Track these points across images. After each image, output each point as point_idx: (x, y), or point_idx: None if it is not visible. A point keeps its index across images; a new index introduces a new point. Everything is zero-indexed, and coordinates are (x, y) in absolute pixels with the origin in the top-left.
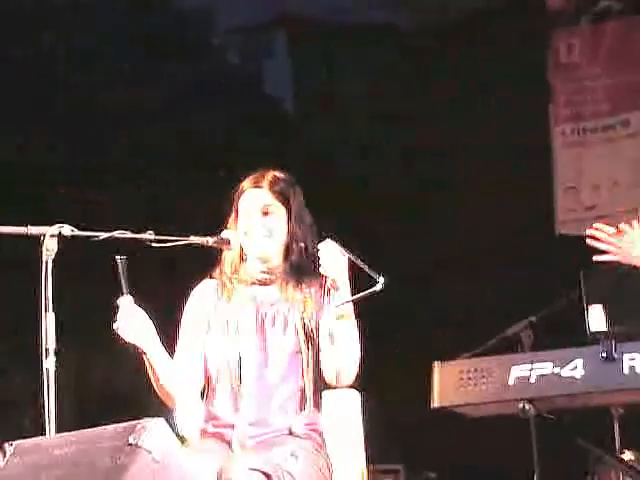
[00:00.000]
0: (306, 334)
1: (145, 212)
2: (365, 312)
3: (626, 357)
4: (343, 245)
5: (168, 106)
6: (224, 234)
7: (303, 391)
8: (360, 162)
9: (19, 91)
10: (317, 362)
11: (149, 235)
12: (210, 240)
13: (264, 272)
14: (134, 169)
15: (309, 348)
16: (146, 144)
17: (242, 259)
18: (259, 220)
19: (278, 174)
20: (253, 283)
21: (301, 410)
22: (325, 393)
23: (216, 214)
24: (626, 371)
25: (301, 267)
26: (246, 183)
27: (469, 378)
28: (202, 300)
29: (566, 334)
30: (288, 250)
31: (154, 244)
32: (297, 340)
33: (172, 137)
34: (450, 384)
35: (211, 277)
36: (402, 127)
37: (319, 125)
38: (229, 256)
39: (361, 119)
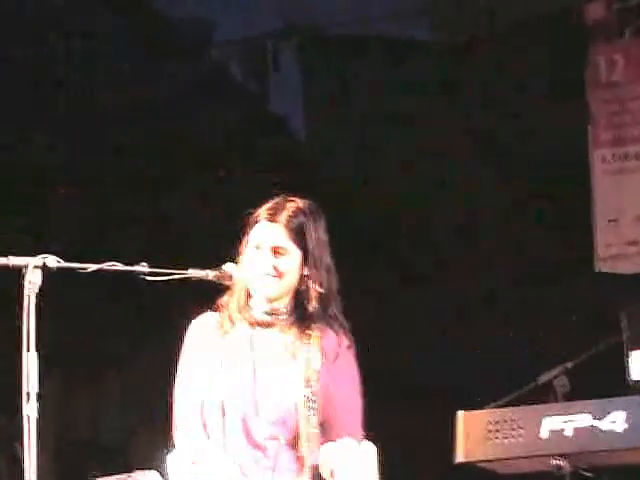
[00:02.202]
0: (305, 396)
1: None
2: (385, 357)
3: None
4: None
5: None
6: (226, 267)
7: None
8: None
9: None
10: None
11: (142, 267)
12: (210, 274)
13: (268, 313)
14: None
15: (309, 409)
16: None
17: (248, 295)
18: (269, 259)
19: (299, 205)
20: (253, 323)
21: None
22: (333, 446)
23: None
24: None
25: (312, 315)
26: (263, 212)
27: (497, 430)
28: (205, 336)
29: (605, 383)
30: (298, 293)
31: (148, 277)
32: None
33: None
34: (476, 436)
35: (213, 309)
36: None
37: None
38: (237, 289)
39: (378, 140)
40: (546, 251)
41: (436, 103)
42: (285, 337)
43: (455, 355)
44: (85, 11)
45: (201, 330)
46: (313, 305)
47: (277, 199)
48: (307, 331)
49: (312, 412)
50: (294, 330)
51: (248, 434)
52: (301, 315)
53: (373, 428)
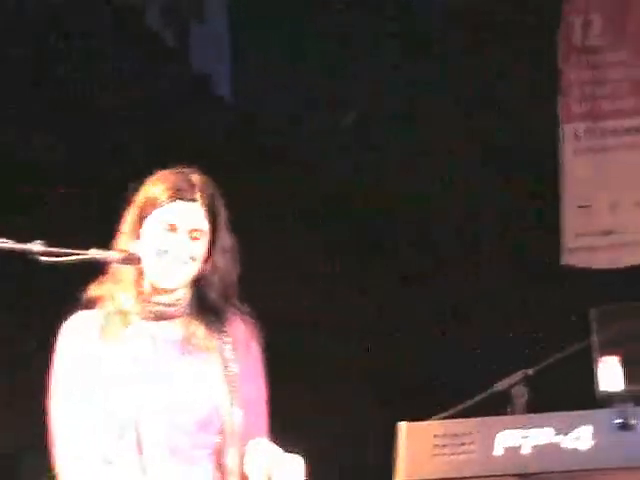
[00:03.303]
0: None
1: None
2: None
3: None
4: None
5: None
6: (133, 248)
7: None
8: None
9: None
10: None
11: (35, 246)
12: (115, 255)
13: (169, 304)
14: None
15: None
16: None
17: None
18: (186, 243)
19: (205, 179)
20: (150, 318)
21: None
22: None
23: None
24: None
25: (216, 304)
26: (165, 189)
27: (444, 445)
28: (88, 342)
29: (571, 393)
30: (199, 279)
31: (42, 258)
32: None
33: None
34: (420, 452)
35: (89, 307)
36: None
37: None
38: (128, 278)
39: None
40: (506, 242)
41: (378, 56)
42: (191, 331)
43: (401, 359)
44: None
45: (81, 335)
46: (217, 293)
47: (176, 171)
48: (215, 323)
49: (235, 411)
50: (200, 322)
51: (170, 448)
52: (203, 304)
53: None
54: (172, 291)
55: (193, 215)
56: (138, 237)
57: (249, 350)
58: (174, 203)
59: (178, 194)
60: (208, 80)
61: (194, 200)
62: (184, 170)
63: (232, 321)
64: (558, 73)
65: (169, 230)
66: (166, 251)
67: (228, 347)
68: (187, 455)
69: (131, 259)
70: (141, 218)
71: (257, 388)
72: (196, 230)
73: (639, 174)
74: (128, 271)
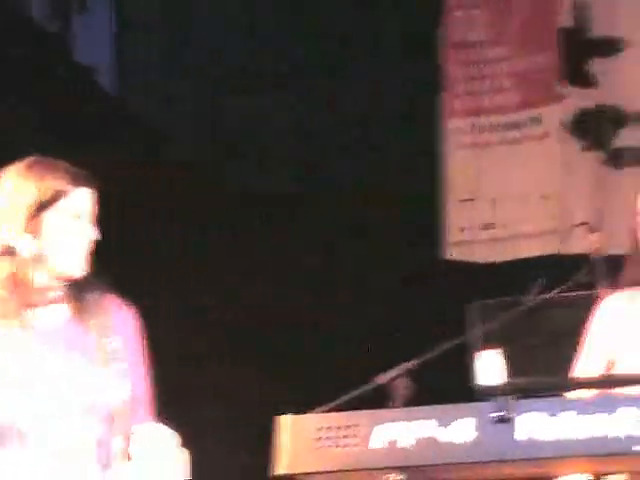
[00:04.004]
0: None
1: None
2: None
3: (523, 419)
4: None
5: None
6: (12, 241)
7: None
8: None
9: None
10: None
11: None
12: None
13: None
14: None
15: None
16: None
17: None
18: (91, 230)
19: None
20: (25, 307)
21: None
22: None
23: None
24: (523, 437)
25: (91, 286)
26: (73, 176)
27: (325, 438)
28: None
29: (452, 386)
30: None
31: None
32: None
33: None
34: (300, 445)
35: None
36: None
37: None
38: (5, 271)
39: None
40: (388, 235)
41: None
42: (71, 315)
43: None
44: None
45: None
46: (90, 275)
47: (51, 161)
48: (93, 305)
49: (119, 395)
50: (80, 305)
51: (55, 439)
52: (79, 287)
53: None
54: (65, 279)
55: (93, 202)
56: (32, 229)
57: (130, 334)
58: (78, 189)
59: (75, 179)
60: (91, 71)
61: (91, 187)
62: (52, 159)
63: (111, 305)
64: (440, 69)
65: (76, 217)
66: (73, 240)
67: (109, 332)
68: (72, 444)
69: (6, 251)
70: (39, 209)
71: (139, 372)
72: (93, 216)
73: (520, 169)
74: (8, 264)
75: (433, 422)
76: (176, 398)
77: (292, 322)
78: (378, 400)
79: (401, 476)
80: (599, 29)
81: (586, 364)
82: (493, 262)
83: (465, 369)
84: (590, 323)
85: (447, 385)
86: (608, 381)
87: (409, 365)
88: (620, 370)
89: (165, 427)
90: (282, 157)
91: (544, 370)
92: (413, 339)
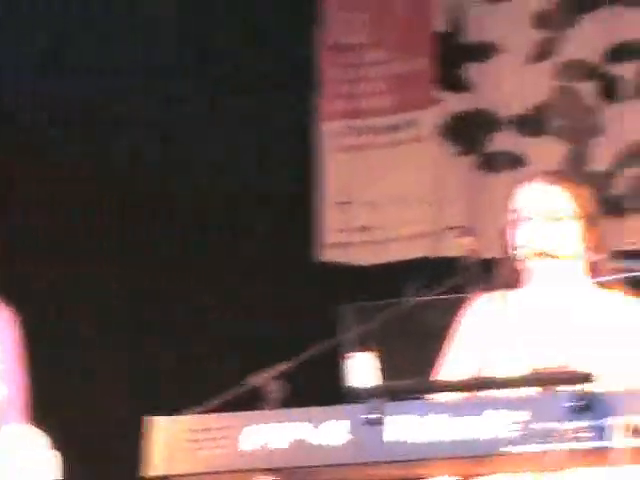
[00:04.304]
0: None
1: None
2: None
3: (393, 421)
4: None
5: None
6: None
7: None
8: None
9: None
10: None
11: None
12: None
13: None
14: None
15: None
16: None
17: None
18: None
19: None
20: None
21: None
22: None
23: None
24: (393, 439)
25: None
26: None
27: (196, 440)
28: None
29: (325, 388)
30: None
31: None
32: None
33: None
34: (170, 447)
35: None
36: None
37: None
38: None
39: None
40: (263, 237)
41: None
42: None
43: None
44: None
45: None
46: None
47: None
48: None
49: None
50: None
51: None
52: None
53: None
54: None
55: None
56: None
57: (6, 338)
58: None
59: None
60: None
61: None
62: None
63: None
64: (317, 71)
65: None
66: None
67: None
68: None
69: None
70: None
71: (14, 375)
72: None
73: (395, 172)
74: None
75: (305, 424)
76: (49, 400)
77: (165, 323)
78: (251, 402)
79: (272, 478)
80: (473, 34)
81: (456, 366)
82: (368, 265)
83: (340, 371)
84: (459, 324)
85: (322, 387)
86: (477, 384)
87: (282, 367)
88: (490, 371)
89: (34, 428)
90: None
91: (416, 372)
92: (287, 341)
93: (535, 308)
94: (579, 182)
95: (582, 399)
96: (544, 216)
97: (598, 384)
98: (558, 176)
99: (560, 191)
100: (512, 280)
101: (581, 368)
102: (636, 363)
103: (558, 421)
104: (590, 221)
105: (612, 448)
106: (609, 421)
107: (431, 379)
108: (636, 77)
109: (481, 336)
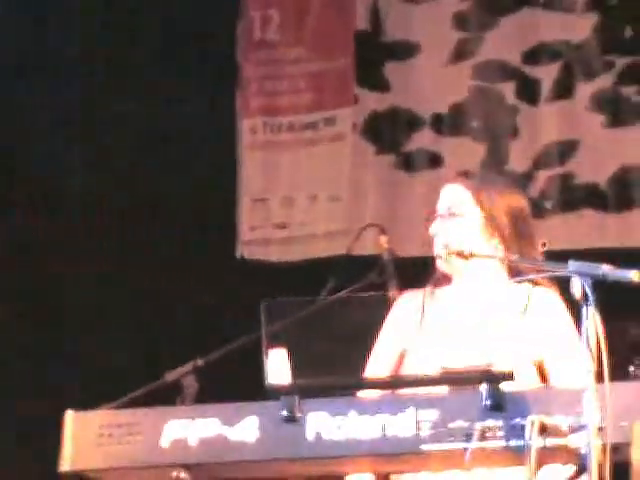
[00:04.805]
0: None
1: None
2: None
3: (311, 418)
4: None
5: None
6: None
7: None
8: None
9: None
10: None
11: None
12: None
13: None
14: None
15: None
16: None
17: None
18: None
19: None
20: None
21: None
22: None
23: None
24: (310, 436)
25: None
26: None
27: (111, 435)
28: None
29: (241, 384)
30: None
31: None
32: None
33: None
34: (86, 442)
35: None
36: None
37: None
38: None
39: None
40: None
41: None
42: None
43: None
44: None
45: None
46: None
47: None
48: None
49: None
50: None
51: None
52: None
53: None
54: None
55: None
56: None
57: None
58: None
59: None
60: None
61: None
62: None
63: None
64: (238, 68)
65: None
66: None
67: None
68: None
69: None
70: None
71: None
72: None
73: (314, 170)
74: None
75: (219, 420)
76: None
77: (80, 321)
78: (168, 398)
79: (185, 474)
80: (393, 33)
81: (378, 362)
82: (289, 261)
83: (259, 368)
84: (385, 322)
85: (241, 383)
86: (395, 382)
87: (198, 363)
88: (408, 369)
89: None
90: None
91: (335, 369)
92: (208, 337)
93: (455, 305)
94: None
95: (495, 398)
96: (445, 213)
97: (513, 383)
98: (465, 176)
99: (462, 190)
100: (436, 278)
101: (497, 367)
102: (552, 361)
103: (472, 420)
104: (496, 221)
105: (525, 447)
106: (522, 420)
107: (347, 377)
108: (553, 79)
109: (402, 333)
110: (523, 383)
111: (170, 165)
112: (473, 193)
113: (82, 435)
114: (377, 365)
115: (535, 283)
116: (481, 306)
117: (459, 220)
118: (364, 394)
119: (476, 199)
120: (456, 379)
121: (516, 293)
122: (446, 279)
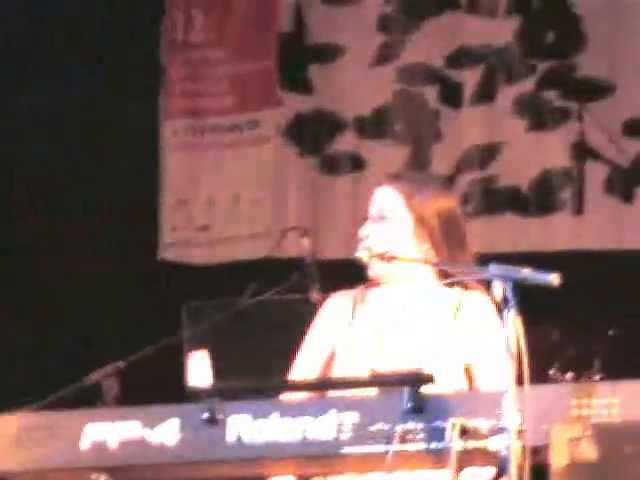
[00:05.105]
0: None
1: None
2: None
3: (232, 420)
4: None
5: None
6: None
7: None
8: None
9: None
10: None
11: None
12: None
13: None
14: None
15: None
16: None
17: None
18: None
19: None
20: None
21: None
22: None
23: None
24: (231, 438)
25: None
26: None
27: (30, 437)
28: None
29: (163, 387)
30: None
31: None
32: None
33: None
34: (6, 443)
35: None
36: None
37: None
38: None
39: None
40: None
41: None
42: None
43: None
44: None
45: None
46: None
47: None
48: None
49: None
50: None
51: None
52: None
53: None
54: None
55: None
56: None
57: None
58: None
59: None
60: None
61: None
62: None
63: None
64: (161, 69)
65: None
66: None
67: None
68: None
69: None
70: None
71: None
72: None
73: (236, 172)
74: None
75: (139, 422)
76: None
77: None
78: (89, 400)
79: (104, 477)
80: (317, 36)
81: (305, 364)
82: (211, 264)
83: (181, 370)
84: (314, 323)
85: (163, 386)
86: (318, 384)
87: (119, 365)
88: (334, 371)
89: None
90: None
91: (256, 372)
92: (130, 339)
93: (385, 308)
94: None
95: (416, 401)
96: (374, 216)
97: (434, 386)
98: (395, 177)
99: (394, 193)
100: (363, 280)
101: (420, 370)
102: (480, 365)
103: (393, 423)
104: (426, 224)
105: (445, 450)
106: (443, 423)
107: (269, 379)
108: (476, 82)
109: (332, 334)
110: (451, 386)
111: (92, 165)
112: (405, 197)
113: (1, 437)
114: (304, 367)
115: (466, 287)
116: (411, 309)
117: (389, 224)
118: (288, 397)
119: (408, 203)
120: (378, 382)
121: (446, 296)
122: (376, 282)
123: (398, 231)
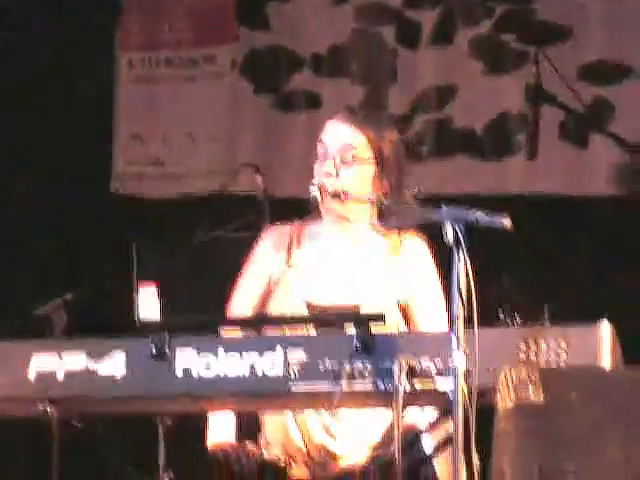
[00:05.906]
0: None
1: None
2: None
3: (180, 355)
4: None
5: None
6: None
7: None
8: None
9: None
10: None
11: None
12: None
13: None
14: None
15: None
16: None
17: None
18: None
19: None
20: None
21: None
22: None
23: None
24: (179, 373)
25: None
26: None
27: None
28: None
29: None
30: None
31: None
32: None
33: None
34: None
35: None
36: None
37: None
38: None
39: None
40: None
41: None
42: None
43: None
44: None
45: None
46: None
47: None
48: None
49: None
50: None
51: None
52: None
53: None
54: None
55: None
56: None
57: None
58: None
59: None
60: None
61: None
62: None
63: None
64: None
65: None
66: None
67: None
68: None
69: None
70: None
71: None
72: None
73: (191, 107)
74: None
75: (85, 354)
76: None
77: None
78: (38, 331)
79: (51, 407)
80: None
81: (244, 294)
82: (164, 198)
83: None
84: (252, 254)
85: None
86: (261, 320)
87: (67, 297)
88: (277, 300)
89: None
90: None
91: (207, 307)
92: (80, 273)
93: (325, 244)
94: (382, 125)
95: (365, 341)
96: (340, 156)
97: (380, 326)
98: (360, 117)
99: (359, 133)
100: (309, 214)
101: (364, 308)
102: (420, 304)
103: (341, 361)
104: (386, 165)
105: (393, 389)
106: (390, 363)
107: (215, 315)
108: (433, 23)
109: (270, 265)
110: (387, 325)
111: (47, 99)
112: (367, 139)
113: None
114: (244, 297)
115: (402, 230)
116: (351, 247)
117: (355, 167)
118: (231, 333)
119: (371, 146)
120: (325, 319)
121: (385, 238)
122: (317, 217)
123: (363, 174)
